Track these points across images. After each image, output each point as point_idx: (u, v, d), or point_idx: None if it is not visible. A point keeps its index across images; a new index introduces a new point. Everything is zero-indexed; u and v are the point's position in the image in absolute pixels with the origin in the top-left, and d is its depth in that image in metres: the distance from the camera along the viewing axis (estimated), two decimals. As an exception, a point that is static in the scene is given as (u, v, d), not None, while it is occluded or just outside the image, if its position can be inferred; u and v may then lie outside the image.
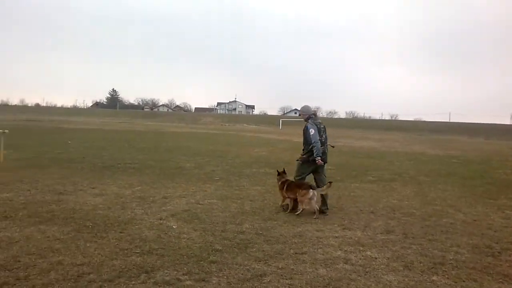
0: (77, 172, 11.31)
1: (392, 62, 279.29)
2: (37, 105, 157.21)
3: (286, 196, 7.70)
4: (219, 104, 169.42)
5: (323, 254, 5.34)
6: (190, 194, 8.97)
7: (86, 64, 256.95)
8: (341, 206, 8.31)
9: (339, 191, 9.88)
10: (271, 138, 36.04)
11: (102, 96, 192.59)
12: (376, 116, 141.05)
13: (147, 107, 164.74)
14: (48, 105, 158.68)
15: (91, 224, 6.19)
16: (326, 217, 7.32)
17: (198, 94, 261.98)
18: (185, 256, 5.01)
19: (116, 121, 77.19)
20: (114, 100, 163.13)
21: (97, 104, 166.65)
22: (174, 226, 6.32)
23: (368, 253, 5.48)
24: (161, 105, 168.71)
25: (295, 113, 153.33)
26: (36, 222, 6.14)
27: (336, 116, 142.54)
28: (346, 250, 5.54)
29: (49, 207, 7.10)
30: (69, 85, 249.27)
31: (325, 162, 7.84)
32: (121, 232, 5.87)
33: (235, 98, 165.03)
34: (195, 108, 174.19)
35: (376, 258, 5.30)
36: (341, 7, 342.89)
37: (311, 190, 7.30)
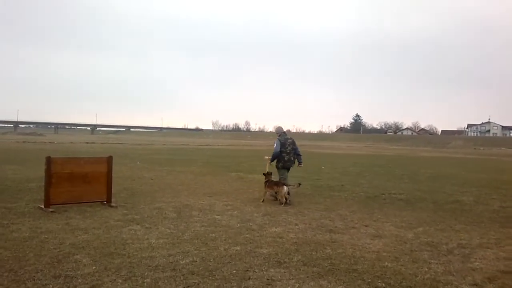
0: (341, 202, 10.10)
1: None
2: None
3: (267, 191, 9.85)
4: (469, 126, 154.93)
5: None
6: (492, 243, 6.60)
7: (330, 93, 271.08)
8: None
9: None
10: (553, 165, 29.08)
11: (346, 121, 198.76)
12: None
13: (390, 130, 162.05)
14: (298, 131, 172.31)
15: (383, 285, 4.54)
16: None
17: (444, 116, 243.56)
18: None
19: (360, 145, 77.19)
20: (357, 125, 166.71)
21: (341, 129, 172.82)
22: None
23: None
24: (404, 129, 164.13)
25: None
26: (315, 274, 4.79)
27: None
28: None
29: (324, 251, 5.78)
30: (315, 112, 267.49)
31: (288, 167, 10.38)
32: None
33: (489, 119, 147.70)
34: (442, 130, 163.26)
35: None
36: None
37: (284, 186, 9.37)
